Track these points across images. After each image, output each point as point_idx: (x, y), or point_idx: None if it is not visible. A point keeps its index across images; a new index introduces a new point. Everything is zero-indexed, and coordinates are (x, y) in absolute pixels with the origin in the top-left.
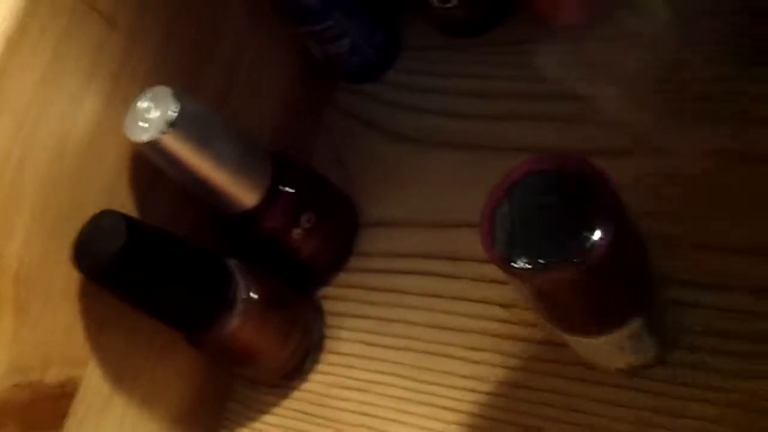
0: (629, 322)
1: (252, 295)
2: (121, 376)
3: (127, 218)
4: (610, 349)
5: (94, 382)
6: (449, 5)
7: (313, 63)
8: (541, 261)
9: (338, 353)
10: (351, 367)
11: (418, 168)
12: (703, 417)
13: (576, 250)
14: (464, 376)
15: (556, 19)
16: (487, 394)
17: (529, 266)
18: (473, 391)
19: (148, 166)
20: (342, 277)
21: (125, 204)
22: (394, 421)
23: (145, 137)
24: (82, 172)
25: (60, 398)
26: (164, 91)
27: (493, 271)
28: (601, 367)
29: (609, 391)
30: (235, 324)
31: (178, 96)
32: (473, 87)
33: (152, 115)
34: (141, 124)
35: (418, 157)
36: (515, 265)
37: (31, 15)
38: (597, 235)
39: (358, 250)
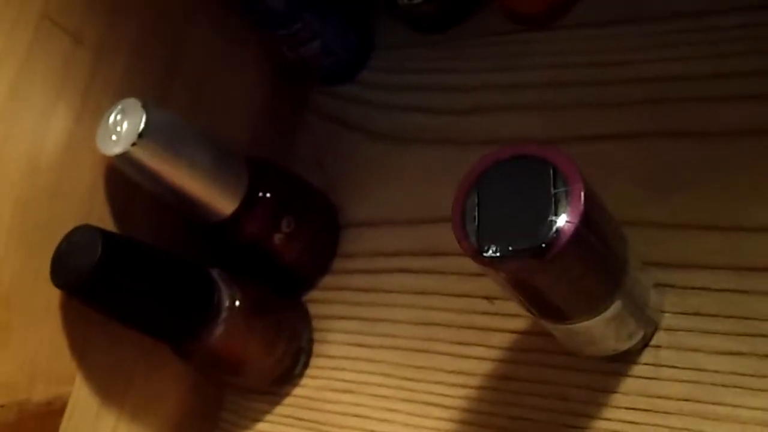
0: (608, 306)
1: (236, 303)
2: (109, 390)
3: (102, 232)
4: (593, 336)
5: (82, 398)
6: (416, 1)
7: (286, 67)
8: (510, 249)
9: (327, 356)
10: (340, 369)
11: (397, 166)
12: (692, 398)
13: (544, 236)
14: (452, 372)
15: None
16: (475, 388)
17: (499, 254)
18: (462, 386)
19: (124, 179)
20: (327, 279)
21: (104, 218)
22: (384, 420)
23: (116, 150)
24: (58, 188)
25: (48, 416)
26: (133, 103)
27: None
28: (587, 355)
29: (596, 378)
30: (219, 332)
31: (147, 106)
32: (447, 82)
33: (122, 127)
34: (112, 137)
35: (397, 155)
36: (485, 255)
37: None
38: (563, 220)
39: (341, 252)
